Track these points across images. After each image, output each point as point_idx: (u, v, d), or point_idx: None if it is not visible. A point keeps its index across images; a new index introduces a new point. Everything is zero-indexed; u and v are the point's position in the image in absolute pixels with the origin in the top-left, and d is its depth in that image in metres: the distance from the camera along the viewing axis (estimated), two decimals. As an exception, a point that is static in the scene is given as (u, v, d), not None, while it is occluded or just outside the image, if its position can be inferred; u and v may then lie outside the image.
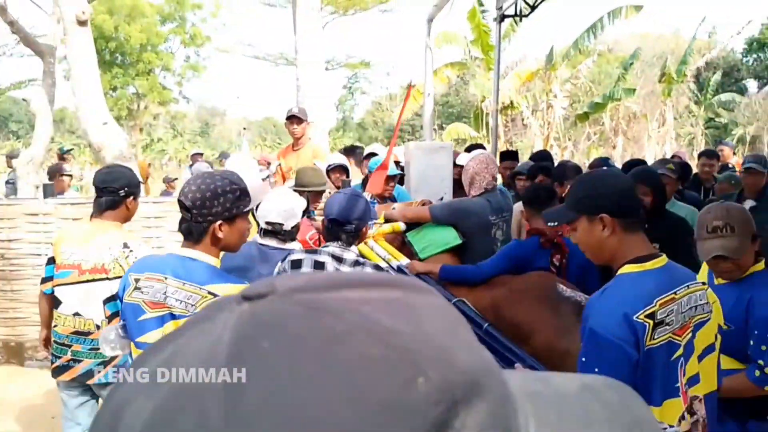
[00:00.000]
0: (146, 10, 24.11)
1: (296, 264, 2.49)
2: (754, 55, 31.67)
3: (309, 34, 6.70)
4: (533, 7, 8.91)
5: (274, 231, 2.86)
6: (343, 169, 4.95)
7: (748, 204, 4.34)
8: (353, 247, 2.58)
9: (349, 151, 5.94)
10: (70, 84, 6.14)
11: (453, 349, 0.37)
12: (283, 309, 0.35)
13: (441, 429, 0.32)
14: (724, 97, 25.58)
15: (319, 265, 2.47)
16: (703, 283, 1.85)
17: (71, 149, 11.06)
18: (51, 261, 3.04)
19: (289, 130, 5.55)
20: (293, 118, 5.43)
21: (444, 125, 23.18)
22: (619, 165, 5.99)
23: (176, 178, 11.35)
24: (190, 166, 9.51)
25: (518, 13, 9.55)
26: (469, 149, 6.78)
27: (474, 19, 15.54)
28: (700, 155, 6.84)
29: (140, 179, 3.20)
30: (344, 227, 2.52)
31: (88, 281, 2.87)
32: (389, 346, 0.33)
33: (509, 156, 6.32)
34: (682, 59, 18.54)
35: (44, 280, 3.09)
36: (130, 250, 2.84)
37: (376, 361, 0.33)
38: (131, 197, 2.95)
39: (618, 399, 0.44)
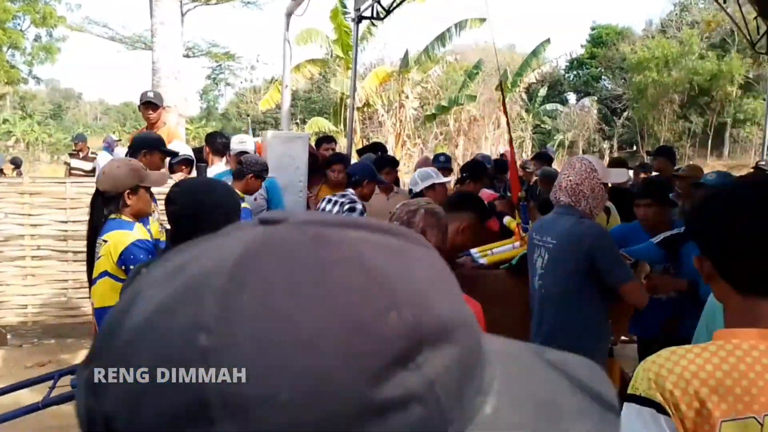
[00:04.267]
0: (-9, -17, 21.39)
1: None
2: (575, 72, 34.80)
3: (167, 19, 6.28)
4: (388, 11, 9.06)
5: None
6: (189, 163, 4.70)
7: None
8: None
9: (209, 138, 5.63)
10: None
11: (433, 296, 0.39)
12: (291, 235, 0.38)
13: (403, 360, 0.35)
14: (549, 107, 27.90)
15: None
16: None
17: None
18: None
19: (143, 115, 5.17)
20: (148, 104, 5.06)
21: (306, 119, 22.99)
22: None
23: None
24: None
25: (375, 15, 9.69)
26: (360, 151, 6.71)
27: (336, 19, 15.55)
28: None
29: None
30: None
31: None
32: (372, 280, 0.36)
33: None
34: (517, 72, 19.81)
35: None
36: None
37: (357, 289, 0.36)
38: None
39: (587, 374, 0.45)
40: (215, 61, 33.18)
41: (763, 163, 5.58)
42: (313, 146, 6.24)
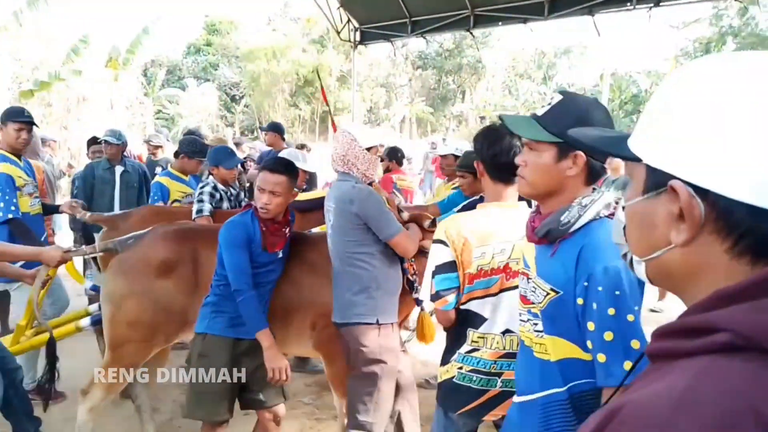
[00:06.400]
0: None
1: None
2: (193, 58, 34.63)
3: None
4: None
5: None
6: None
7: None
8: None
9: None
10: None
11: None
12: None
13: None
14: (171, 91, 27.27)
15: None
16: None
17: None
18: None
19: None
20: None
21: None
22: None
23: None
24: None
25: None
26: None
27: None
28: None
29: None
30: None
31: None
32: None
33: None
34: (128, 49, 18.78)
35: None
36: None
37: None
38: None
39: None
40: None
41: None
42: None
